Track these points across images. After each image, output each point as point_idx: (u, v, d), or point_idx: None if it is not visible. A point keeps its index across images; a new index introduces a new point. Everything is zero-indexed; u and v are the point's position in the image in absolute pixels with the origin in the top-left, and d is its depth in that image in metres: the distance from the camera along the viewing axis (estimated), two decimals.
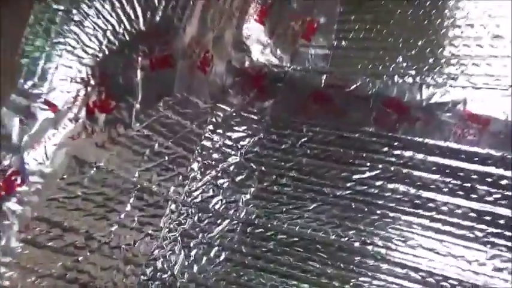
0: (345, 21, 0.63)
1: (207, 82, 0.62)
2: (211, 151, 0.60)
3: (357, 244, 0.51)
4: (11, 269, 0.43)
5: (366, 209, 0.53)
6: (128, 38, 0.52)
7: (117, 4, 0.51)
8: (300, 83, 0.64)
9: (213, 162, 0.60)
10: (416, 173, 0.54)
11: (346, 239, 0.52)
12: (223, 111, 0.63)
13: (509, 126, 0.51)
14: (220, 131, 0.62)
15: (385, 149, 0.57)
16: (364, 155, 0.57)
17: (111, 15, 0.51)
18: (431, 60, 0.58)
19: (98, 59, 0.50)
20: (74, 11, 0.49)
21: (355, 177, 0.55)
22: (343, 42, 0.63)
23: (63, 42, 0.48)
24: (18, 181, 0.44)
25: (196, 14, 0.59)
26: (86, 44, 0.49)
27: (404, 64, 0.59)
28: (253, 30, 0.66)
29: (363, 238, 0.52)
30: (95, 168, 0.50)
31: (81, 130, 0.48)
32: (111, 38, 0.51)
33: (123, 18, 0.52)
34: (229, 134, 0.62)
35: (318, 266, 0.51)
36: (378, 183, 0.54)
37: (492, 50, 0.54)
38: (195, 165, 0.59)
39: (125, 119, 0.52)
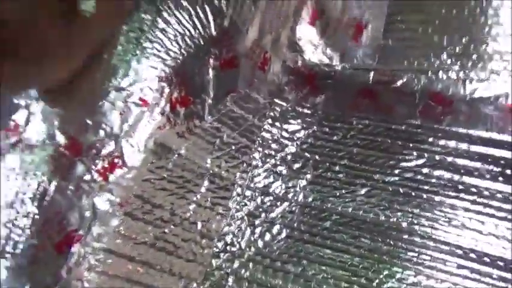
0: (392, 22, 0.69)
1: (266, 80, 0.69)
2: (270, 142, 0.68)
3: (404, 224, 0.57)
4: (115, 236, 0.52)
5: (413, 194, 0.59)
6: (202, 42, 0.60)
7: (193, 12, 0.59)
8: (349, 80, 0.71)
9: (272, 152, 0.67)
10: (460, 161, 0.60)
11: (395, 219, 0.58)
12: (280, 106, 0.70)
13: None
14: (277, 124, 0.69)
15: (431, 139, 0.62)
16: (411, 145, 0.63)
17: (188, 22, 0.59)
18: (474, 57, 0.62)
19: (178, 61, 0.58)
20: (159, 20, 0.57)
21: (402, 165, 0.61)
22: (390, 42, 0.68)
23: (150, 47, 0.57)
24: (120, 163, 0.53)
25: (257, 19, 0.66)
26: (169, 48, 0.58)
27: (449, 61, 0.64)
28: (306, 32, 0.73)
29: (410, 219, 0.58)
30: (176, 155, 0.58)
31: (166, 122, 0.56)
32: (189, 42, 0.59)
33: (198, 25, 0.60)
34: (285, 126, 0.69)
35: (369, 242, 0.57)
36: (424, 170, 0.60)
37: None
38: (256, 155, 0.67)
39: (200, 112, 0.60)
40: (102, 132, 0.53)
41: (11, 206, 0.51)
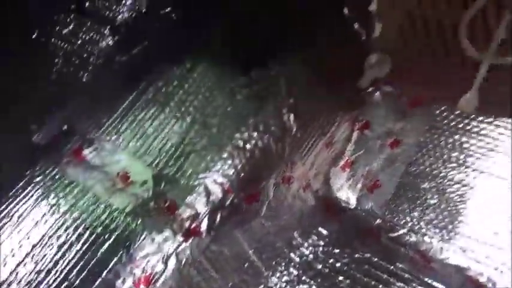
0: (400, 188, 0.94)
1: (305, 199, 0.90)
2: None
3: None
4: None
5: None
6: (277, 160, 0.81)
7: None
8: (359, 219, 0.93)
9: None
10: None
11: None
12: (308, 222, 0.90)
13: None
14: (305, 235, 0.88)
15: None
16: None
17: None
18: (452, 234, 0.88)
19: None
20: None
21: None
22: (393, 205, 0.93)
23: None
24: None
25: (311, 156, 0.90)
26: None
27: (433, 231, 0.89)
28: (337, 174, 0.97)
29: None
30: None
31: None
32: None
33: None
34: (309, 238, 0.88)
35: None
36: None
37: None
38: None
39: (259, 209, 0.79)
40: None
41: None
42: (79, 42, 1.13)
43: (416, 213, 0.91)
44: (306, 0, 0.81)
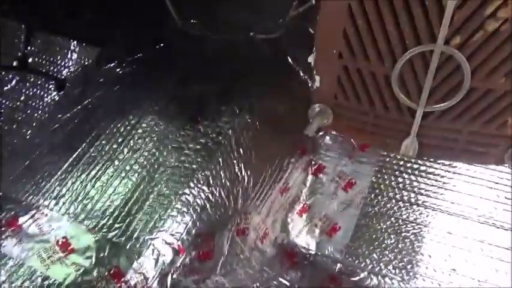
0: (357, 230, 0.94)
1: (262, 250, 0.87)
2: None
3: None
4: None
5: None
6: (230, 212, 0.79)
7: (230, 191, 0.80)
8: (320, 265, 0.91)
9: None
10: None
11: None
12: (268, 273, 0.87)
13: None
14: None
15: None
16: None
17: (227, 198, 0.79)
18: (411, 274, 0.88)
19: (211, 223, 0.76)
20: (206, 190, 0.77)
21: None
22: (353, 248, 0.92)
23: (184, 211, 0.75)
24: None
25: (267, 204, 0.88)
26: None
27: (394, 271, 0.88)
28: (295, 220, 0.95)
29: None
30: None
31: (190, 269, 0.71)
32: (223, 210, 0.78)
33: (232, 200, 0.80)
34: None
35: None
36: None
37: None
38: None
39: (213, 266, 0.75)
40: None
41: None
42: (22, 98, 1.10)
43: (375, 255, 0.90)
44: (252, 54, 0.82)
